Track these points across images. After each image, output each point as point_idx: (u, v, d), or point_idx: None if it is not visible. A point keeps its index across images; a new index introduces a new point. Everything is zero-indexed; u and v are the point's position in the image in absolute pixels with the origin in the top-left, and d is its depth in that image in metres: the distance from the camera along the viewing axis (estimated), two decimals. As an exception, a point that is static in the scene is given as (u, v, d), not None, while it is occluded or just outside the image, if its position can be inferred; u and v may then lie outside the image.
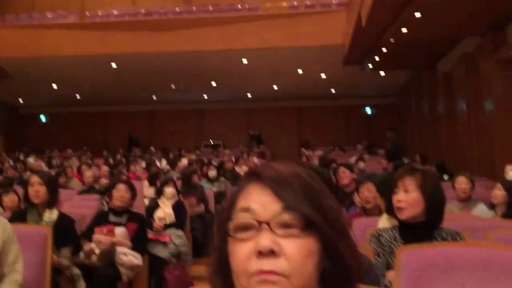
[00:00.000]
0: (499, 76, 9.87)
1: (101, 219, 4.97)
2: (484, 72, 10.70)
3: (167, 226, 6.22)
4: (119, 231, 4.78)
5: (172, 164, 12.24)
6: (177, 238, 6.08)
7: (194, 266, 6.61)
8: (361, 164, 11.35)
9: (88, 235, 4.77)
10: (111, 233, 4.73)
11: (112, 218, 4.96)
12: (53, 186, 4.39)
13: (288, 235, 0.93)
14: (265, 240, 0.92)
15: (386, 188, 3.17)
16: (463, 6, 9.04)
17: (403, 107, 20.58)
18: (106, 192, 5.58)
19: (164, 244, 5.97)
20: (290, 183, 0.96)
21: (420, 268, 2.10)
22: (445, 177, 9.22)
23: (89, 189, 8.51)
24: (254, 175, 1.00)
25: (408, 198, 2.54)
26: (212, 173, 10.36)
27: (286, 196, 0.94)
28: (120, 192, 4.98)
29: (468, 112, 11.69)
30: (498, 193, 5.08)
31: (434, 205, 2.55)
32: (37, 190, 4.23)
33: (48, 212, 4.29)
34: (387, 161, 12.26)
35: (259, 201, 0.96)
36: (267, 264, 0.91)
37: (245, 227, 0.95)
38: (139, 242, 4.88)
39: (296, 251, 0.92)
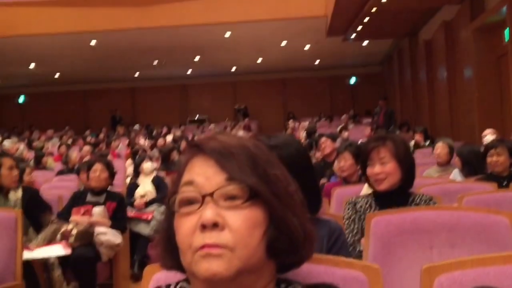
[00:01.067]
0: (477, 43, 9.89)
1: (78, 199, 4.88)
2: (462, 39, 10.75)
3: (148, 203, 6.20)
4: (98, 210, 4.73)
5: (155, 141, 12.18)
6: (160, 214, 6.07)
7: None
8: (345, 134, 11.38)
9: (65, 216, 4.71)
10: (88, 213, 4.67)
11: (89, 198, 4.89)
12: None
13: (233, 206, 0.91)
14: (208, 213, 0.90)
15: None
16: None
17: (386, 76, 20.67)
18: (79, 171, 5.51)
19: (147, 221, 5.96)
20: (235, 154, 0.94)
21: (389, 233, 2.13)
22: (427, 142, 9.32)
23: (68, 170, 8.37)
24: (197, 147, 0.98)
25: (386, 169, 2.53)
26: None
27: (230, 167, 0.92)
28: (97, 172, 4.88)
29: (448, 79, 11.77)
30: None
31: (408, 171, 2.56)
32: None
33: (13, 193, 4.30)
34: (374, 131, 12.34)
35: (202, 173, 0.94)
36: (210, 237, 0.89)
37: (189, 201, 0.93)
38: (118, 221, 4.84)
39: (240, 222, 0.90)
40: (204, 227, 0.89)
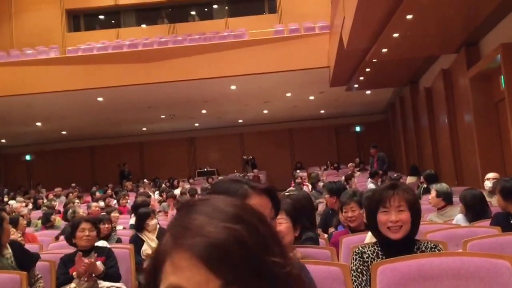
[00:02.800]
0: (475, 90, 10.13)
1: (68, 262, 4.74)
2: (461, 86, 11.00)
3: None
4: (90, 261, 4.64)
5: (165, 195, 12.20)
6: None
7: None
8: (354, 181, 11.53)
9: (62, 281, 4.62)
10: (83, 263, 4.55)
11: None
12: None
13: None
14: None
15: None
16: (436, 26, 9.34)
17: (390, 123, 20.89)
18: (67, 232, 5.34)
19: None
20: (226, 252, 0.78)
21: (395, 282, 2.17)
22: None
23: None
24: (177, 243, 0.82)
25: (403, 217, 2.55)
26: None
27: (223, 271, 0.77)
28: (85, 232, 4.81)
29: (449, 125, 11.97)
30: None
31: (417, 219, 2.60)
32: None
33: (6, 249, 4.36)
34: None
35: (192, 279, 0.78)
36: None
37: None
38: (111, 268, 4.80)
39: None
40: None
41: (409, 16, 8.63)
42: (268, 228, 0.86)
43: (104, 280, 4.72)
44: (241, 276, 0.77)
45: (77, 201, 13.62)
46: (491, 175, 6.85)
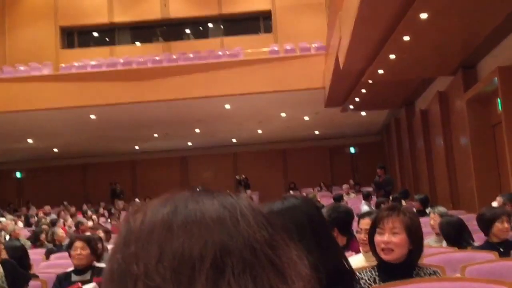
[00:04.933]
0: (472, 112, 10.06)
1: (63, 281, 4.68)
2: (457, 109, 10.95)
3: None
4: (89, 287, 4.55)
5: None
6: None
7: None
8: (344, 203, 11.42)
9: None
10: None
11: (74, 278, 4.71)
12: None
13: None
14: None
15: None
16: (433, 47, 9.30)
17: (385, 145, 20.84)
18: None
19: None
20: None
21: None
22: (427, 210, 9.24)
23: (57, 248, 8.04)
24: None
25: (396, 240, 2.50)
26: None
27: None
28: (77, 250, 4.74)
29: (445, 147, 11.89)
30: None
31: (418, 245, 2.54)
32: None
33: None
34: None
35: None
36: None
37: None
38: None
39: None
40: None
41: (406, 38, 8.57)
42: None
43: None
44: None
45: (69, 220, 13.51)
46: (495, 203, 6.69)
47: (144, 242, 0.63)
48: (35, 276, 4.78)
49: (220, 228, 0.62)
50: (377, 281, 2.56)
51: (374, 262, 2.72)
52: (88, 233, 7.50)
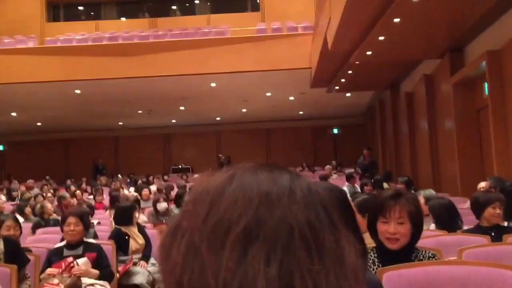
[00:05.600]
0: (458, 96, 10.15)
1: (55, 257, 4.72)
2: (443, 92, 11.03)
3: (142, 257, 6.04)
4: (81, 261, 4.61)
5: (139, 191, 12.00)
6: (150, 265, 6.00)
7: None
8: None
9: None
10: (70, 267, 4.50)
11: (66, 253, 4.76)
12: None
13: None
14: None
15: (367, 209, 3.16)
16: (423, 30, 9.34)
17: (369, 126, 20.96)
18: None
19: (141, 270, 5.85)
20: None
21: None
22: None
23: (45, 222, 7.92)
24: None
25: (402, 230, 2.49)
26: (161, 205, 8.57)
27: None
28: (71, 226, 4.78)
29: (429, 131, 12.00)
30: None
31: (418, 230, 2.54)
32: None
33: None
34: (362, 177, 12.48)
35: None
36: None
37: None
38: (105, 269, 4.75)
39: None
40: None
41: (396, 20, 8.59)
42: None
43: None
44: None
45: (49, 194, 13.41)
46: (483, 184, 6.75)
47: (198, 202, 0.69)
48: (28, 250, 4.78)
49: (262, 201, 0.66)
50: (376, 263, 2.56)
51: (372, 243, 2.70)
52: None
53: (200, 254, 0.64)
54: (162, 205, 8.29)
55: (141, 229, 6.34)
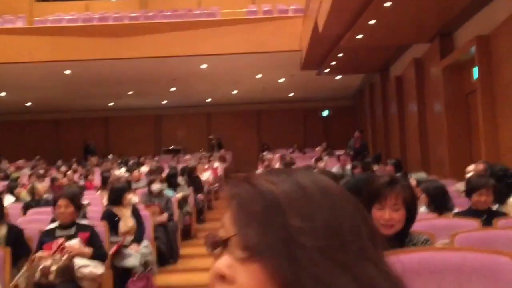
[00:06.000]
0: (447, 80, 10.24)
1: (47, 237, 4.77)
2: (432, 76, 11.12)
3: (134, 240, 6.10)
4: (73, 242, 4.67)
5: (131, 172, 12.04)
6: (143, 248, 6.07)
7: (159, 275, 6.66)
8: (321, 164, 11.55)
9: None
10: (61, 247, 4.55)
11: (58, 233, 4.81)
12: None
13: (244, 259, 0.79)
14: (219, 262, 0.81)
15: (357, 192, 3.21)
16: (413, 14, 9.40)
17: (358, 109, 21.06)
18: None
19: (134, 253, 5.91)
20: (250, 201, 0.81)
21: None
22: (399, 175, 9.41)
23: (35, 203, 7.95)
24: (229, 189, 0.87)
25: (396, 216, 2.51)
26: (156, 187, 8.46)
27: (239, 217, 0.81)
28: (61, 209, 4.83)
29: (419, 114, 12.11)
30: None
31: (412, 216, 2.58)
32: None
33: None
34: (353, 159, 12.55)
35: (229, 217, 0.84)
36: None
37: (217, 243, 0.84)
38: (98, 249, 4.81)
39: (246, 280, 0.78)
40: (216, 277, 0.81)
41: (387, 4, 8.65)
42: (338, 217, 0.81)
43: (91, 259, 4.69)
44: (248, 228, 0.78)
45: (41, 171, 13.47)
46: (471, 168, 6.83)
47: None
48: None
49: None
50: None
51: None
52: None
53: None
54: (156, 186, 8.30)
55: (135, 211, 6.41)
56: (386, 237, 2.54)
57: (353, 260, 0.78)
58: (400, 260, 2.20)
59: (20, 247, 4.19)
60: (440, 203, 4.85)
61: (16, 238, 4.24)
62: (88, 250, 4.68)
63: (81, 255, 4.63)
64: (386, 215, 2.52)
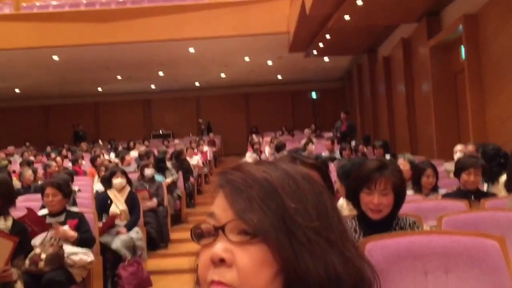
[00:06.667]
0: (435, 60, 10.26)
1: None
2: (420, 56, 11.13)
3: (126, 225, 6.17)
4: (62, 229, 4.67)
5: (121, 157, 11.99)
6: (133, 232, 6.09)
7: (148, 260, 6.69)
8: (312, 148, 11.54)
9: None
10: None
11: (49, 220, 4.80)
12: (8, 192, 4.27)
13: (243, 242, 0.84)
14: (216, 247, 0.84)
15: (348, 175, 3.21)
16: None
17: (347, 90, 21.09)
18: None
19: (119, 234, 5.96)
20: (247, 187, 0.86)
21: (384, 259, 2.15)
22: (387, 156, 9.40)
23: (24, 190, 7.94)
24: (219, 178, 0.92)
25: (385, 201, 2.51)
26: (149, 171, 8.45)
27: (237, 201, 0.86)
28: (49, 197, 4.82)
29: (406, 94, 12.15)
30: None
31: (400, 200, 2.57)
32: None
33: (3, 220, 4.15)
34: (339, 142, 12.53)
35: (221, 205, 0.88)
36: (217, 274, 0.84)
37: (208, 233, 0.88)
38: (85, 233, 4.79)
39: (246, 260, 0.83)
40: (213, 262, 0.84)
41: (374, -16, 8.62)
42: (323, 202, 0.90)
43: (78, 245, 4.68)
44: (249, 208, 0.84)
45: (32, 158, 13.43)
46: (460, 147, 6.86)
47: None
48: None
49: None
50: (357, 230, 2.59)
51: (353, 211, 2.75)
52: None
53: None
54: (149, 171, 8.29)
55: (129, 196, 6.56)
56: (374, 221, 2.56)
57: (339, 239, 0.87)
58: (387, 244, 2.24)
59: (20, 244, 4.10)
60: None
61: (18, 234, 4.13)
62: (74, 233, 4.66)
63: (67, 237, 4.61)
64: (375, 200, 2.51)
